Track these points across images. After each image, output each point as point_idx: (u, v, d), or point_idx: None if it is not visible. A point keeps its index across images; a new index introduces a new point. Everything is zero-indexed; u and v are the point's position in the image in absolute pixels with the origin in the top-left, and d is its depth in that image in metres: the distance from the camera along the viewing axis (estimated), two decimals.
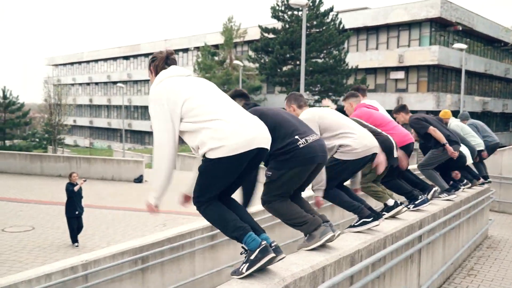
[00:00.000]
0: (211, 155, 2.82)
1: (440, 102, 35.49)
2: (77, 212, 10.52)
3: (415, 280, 5.46)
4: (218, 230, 6.27)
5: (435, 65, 35.68)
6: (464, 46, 26.04)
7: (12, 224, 12.18)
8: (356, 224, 4.42)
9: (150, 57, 3.41)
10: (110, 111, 70.32)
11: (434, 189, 6.38)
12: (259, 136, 2.91)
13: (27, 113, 46.72)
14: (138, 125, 63.07)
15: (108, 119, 69.70)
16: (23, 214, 13.60)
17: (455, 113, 10.31)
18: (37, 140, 47.89)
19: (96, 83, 72.96)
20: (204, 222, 7.16)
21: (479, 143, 8.77)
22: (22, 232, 11.50)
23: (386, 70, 38.53)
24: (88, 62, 74.59)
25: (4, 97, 43.52)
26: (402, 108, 6.95)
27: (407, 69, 37.35)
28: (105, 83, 70.55)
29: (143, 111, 63.54)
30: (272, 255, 2.80)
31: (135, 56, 64.58)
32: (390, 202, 5.19)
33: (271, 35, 38.05)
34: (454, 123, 8.74)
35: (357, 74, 38.01)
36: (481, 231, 9.37)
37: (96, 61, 72.58)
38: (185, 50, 56.75)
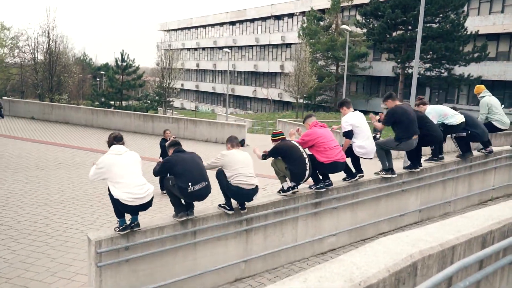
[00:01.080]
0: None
1: None
2: None
3: None
4: (323, 198, 6.52)
5: None
6: None
7: None
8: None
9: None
10: (215, 75, 72.64)
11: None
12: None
13: (141, 75, 49.98)
14: (241, 90, 64.47)
15: (212, 83, 72.16)
16: None
17: None
18: (149, 101, 51.13)
19: (203, 48, 75.54)
20: (308, 190, 7.02)
21: (498, 120, 9.35)
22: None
23: None
24: (196, 27, 77.27)
25: (122, 59, 46.86)
26: (389, 96, 7.76)
27: None
28: (211, 48, 72.74)
29: (246, 77, 64.67)
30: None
31: (241, 22, 65.38)
32: (285, 185, 6.76)
33: None
34: (484, 99, 9.46)
35: (476, 40, 34.57)
36: None
37: (204, 26, 74.88)
38: (290, 15, 56.08)
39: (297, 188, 6.85)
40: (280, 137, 6.86)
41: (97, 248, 5.03)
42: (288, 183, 6.78)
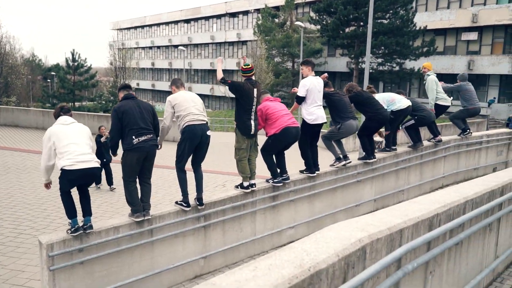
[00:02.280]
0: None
1: None
2: (105, 160, 11.36)
3: (492, 249, 5.08)
4: (280, 191, 6.56)
5: None
6: None
7: None
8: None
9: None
10: (171, 74, 71.67)
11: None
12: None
13: (94, 75, 48.56)
14: (198, 88, 63.93)
15: (169, 82, 71.04)
16: None
17: None
18: (103, 102, 49.80)
19: (158, 47, 74.33)
20: (266, 184, 7.07)
21: (441, 98, 9.98)
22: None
23: (458, 30, 36.06)
24: (150, 26, 75.91)
25: (73, 59, 45.39)
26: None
27: (481, 29, 34.74)
28: (167, 46, 71.70)
29: (203, 75, 64.23)
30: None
31: (196, 20, 64.77)
32: (245, 184, 6.74)
33: None
34: (431, 76, 10.00)
35: (425, 35, 35.85)
36: None
37: (158, 25, 73.68)
38: (245, 13, 56.09)
39: (255, 187, 6.87)
40: (248, 74, 6.66)
41: (48, 252, 4.86)
42: (247, 183, 6.79)
